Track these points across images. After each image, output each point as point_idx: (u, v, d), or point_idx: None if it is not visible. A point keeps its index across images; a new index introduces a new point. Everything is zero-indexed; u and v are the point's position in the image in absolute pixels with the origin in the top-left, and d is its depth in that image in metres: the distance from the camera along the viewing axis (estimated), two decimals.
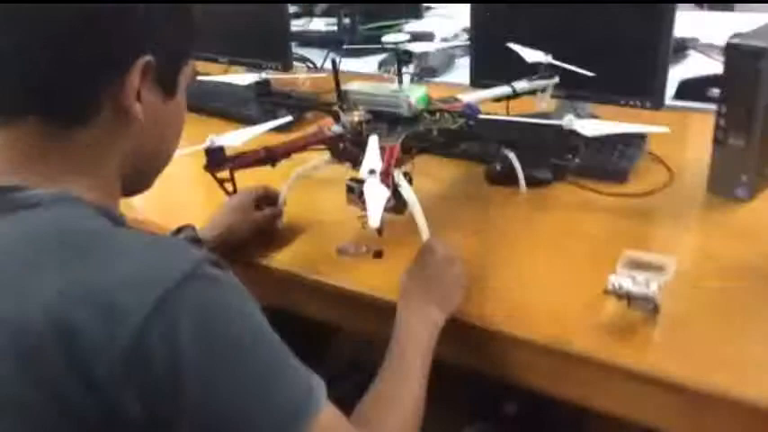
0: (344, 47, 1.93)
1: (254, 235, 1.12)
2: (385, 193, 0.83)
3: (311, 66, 1.95)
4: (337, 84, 1.13)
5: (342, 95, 1.13)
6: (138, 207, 1.25)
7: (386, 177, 0.91)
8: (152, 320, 0.56)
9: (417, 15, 2.17)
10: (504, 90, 1.18)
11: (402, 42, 1.18)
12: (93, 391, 0.55)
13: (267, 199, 1.15)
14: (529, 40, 1.25)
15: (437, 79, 1.79)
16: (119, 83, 0.66)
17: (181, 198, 1.35)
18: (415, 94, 1.06)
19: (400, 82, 1.18)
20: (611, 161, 1.20)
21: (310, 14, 2.34)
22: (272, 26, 1.61)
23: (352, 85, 1.12)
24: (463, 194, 1.23)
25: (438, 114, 1.08)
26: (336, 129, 1.08)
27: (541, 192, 1.19)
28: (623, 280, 0.88)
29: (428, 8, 2.34)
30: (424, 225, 0.98)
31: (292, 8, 2.42)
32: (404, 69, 1.28)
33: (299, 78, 1.83)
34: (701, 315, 0.88)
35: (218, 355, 0.59)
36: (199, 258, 0.61)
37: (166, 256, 0.62)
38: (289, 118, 1.08)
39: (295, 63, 1.96)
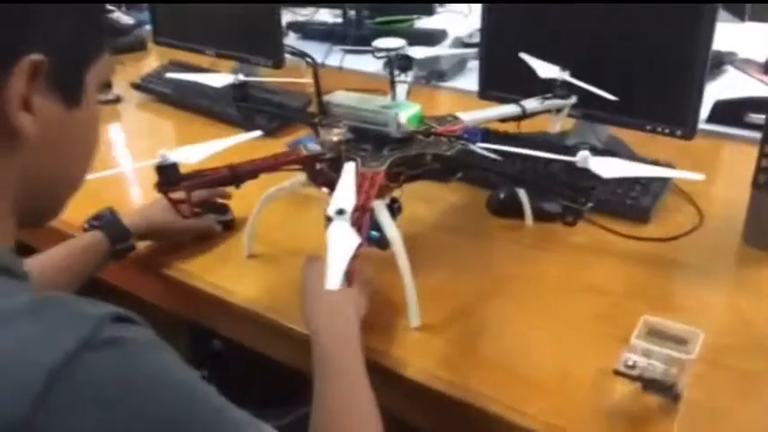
0: (338, 47, 1.78)
1: (185, 239, 1.04)
2: (354, 241, 0.68)
3: (310, 61, 1.80)
4: (318, 94, 0.98)
5: (324, 107, 0.98)
6: None
7: (361, 215, 0.76)
8: (33, 416, 0.42)
9: (429, 12, 2.01)
10: (511, 109, 1.02)
11: (396, 48, 1.03)
12: None
13: (212, 204, 1.06)
14: (545, 50, 1.09)
15: (446, 84, 1.63)
16: None
17: None
18: (406, 111, 0.91)
19: (393, 96, 1.03)
20: (631, 196, 1.04)
21: (316, 3, 2.17)
22: (262, 19, 1.46)
23: (336, 96, 0.97)
24: (461, 225, 1.07)
25: (433, 138, 0.93)
26: (313, 147, 0.93)
27: (550, 228, 1.03)
28: (638, 358, 0.73)
29: (443, 1, 2.17)
30: (406, 268, 0.84)
31: None
32: (403, 77, 1.14)
33: (300, 77, 1.68)
34: (732, 402, 0.73)
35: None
36: (97, 318, 0.47)
37: (50, 327, 0.46)
38: (257, 133, 0.93)
39: (294, 58, 1.82)
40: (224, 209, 1.09)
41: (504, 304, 0.89)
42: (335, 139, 0.91)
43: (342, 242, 0.67)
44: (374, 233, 0.87)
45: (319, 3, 2.10)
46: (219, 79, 1.11)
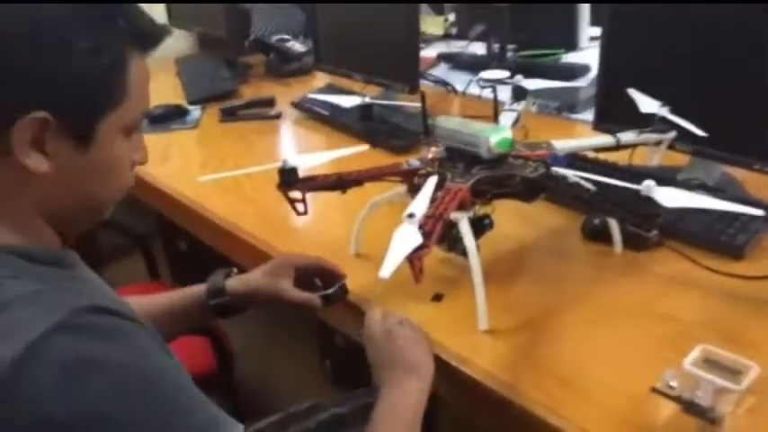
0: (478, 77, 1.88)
1: (279, 304, 1.01)
2: (415, 241, 0.78)
3: (450, 89, 1.93)
4: (424, 117, 1.10)
5: (429, 129, 1.09)
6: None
7: (435, 222, 0.86)
8: (11, 377, 0.56)
9: (573, 46, 2.05)
10: (606, 140, 1.07)
11: (499, 81, 1.12)
12: None
13: (319, 272, 1.04)
14: (659, 84, 1.12)
15: (576, 115, 1.68)
16: (3, 136, 0.63)
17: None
18: (497, 136, 0.99)
19: (496, 120, 1.12)
20: (727, 233, 1.04)
21: (467, 38, 2.30)
22: (404, 50, 1.61)
23: (441, 119, 1.08)
24: (551, 246, 1.13)
25: (520, 161, 1.01)
26: (414, 163, 1.05)
27: (638, 256, 1.06)
28: (680, 381, 0.76)
29: (593, 38, 2.19)
30: (478, 274, 0.92)
31: (452, 29, 2.40)
32: (515, 105, 1.23)
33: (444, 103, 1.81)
34: None
35: (84, 411, 0.57)
36: (75, 308, 0.60)
37: (37, 309, 0.60)
38: (364, 146, 1.06)
39: (436, 85, 1.96)
40: (331, 282, 1.05)
41: (571, 321, 0.94)
42: (430, 156, 1.02)
43: (404, 241, 0.77)
44: (461, 244, 0.97)
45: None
46: (350, 100, 1.28)
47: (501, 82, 1.23)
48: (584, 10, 2.02)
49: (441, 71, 2.14)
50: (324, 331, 1.80)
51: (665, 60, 1.19)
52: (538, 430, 0.80)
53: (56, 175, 0.67)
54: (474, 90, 1.91)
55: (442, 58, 2.21)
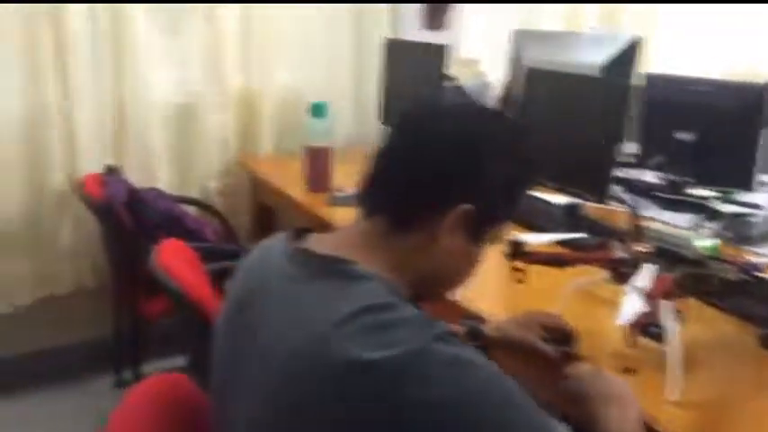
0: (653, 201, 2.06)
1: (526, 353, 1.18)
2: (640, 306, 0.98)
3: (629, 207, 2.11)
4: (635, 218, 1.31)
5: (639, 229, 1.30)
6: None
7: (650, 298, 1.06)
8: (407, 367, 0.73)
9: (748, 187, 2.18)
10: None
11: (707, 197, 1.31)
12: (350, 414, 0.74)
13: (556, 331, 1.20)
14: None
15: (750, 247, 1.81)
16: (440, 216, 0.85)
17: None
18: (703, 242, 1.18)
19: (697, 230, 1.31)
20: None
21: (645, 166, 2.49)
22: (598, 167, 1.84)
23: (650, 224, 1.28)
24: (728, 349, 1.28)
25: (722, 264, 1.18)
26: (621, 254, 1.25)
27: None
28: None
29: (762, 184, 2.32)
30: (676, 358, 1.08)
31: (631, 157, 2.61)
32: (707, 224, 1.42)
33: (616, 212, 2.01)
34: None
35: (465, 397, 0.74)
36: (443, 327, 0.79)
37: (423, 325, 0.78)
38: (581, 235, 1.28)
39: (615, 203, 2.16)
40: (568, 340, 1.20)
41: (747, 408, 1.09)
42: (642, 249, 1.22)
43: (632, 302, 0.98)
44: (654, 328, 1.14)
45: None
46: (560, 199, 1.51)
47: (701, 199, 1.42)
48: (760, 155, 2.18)
49: (615, 192, 2.34)
50: None
51: None
52: None
53: (448, 253, 0.87)
54: (647, 212, 2.09)
55: (619, 181, 2.41)
